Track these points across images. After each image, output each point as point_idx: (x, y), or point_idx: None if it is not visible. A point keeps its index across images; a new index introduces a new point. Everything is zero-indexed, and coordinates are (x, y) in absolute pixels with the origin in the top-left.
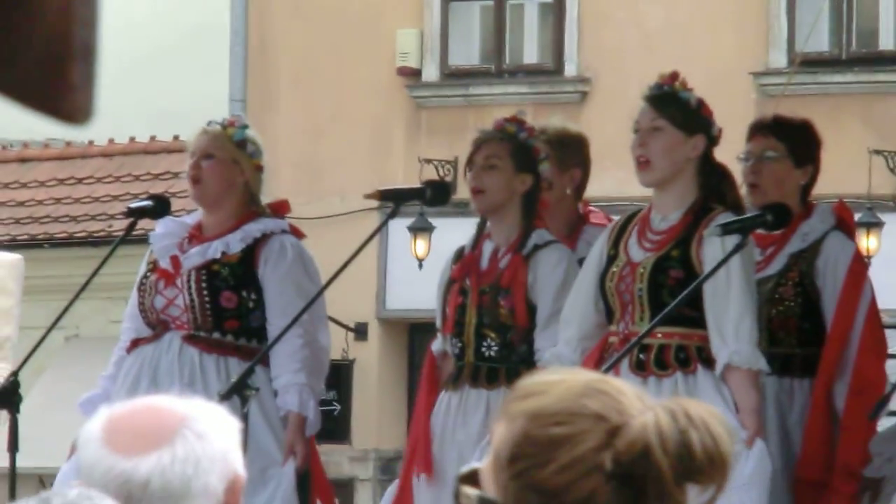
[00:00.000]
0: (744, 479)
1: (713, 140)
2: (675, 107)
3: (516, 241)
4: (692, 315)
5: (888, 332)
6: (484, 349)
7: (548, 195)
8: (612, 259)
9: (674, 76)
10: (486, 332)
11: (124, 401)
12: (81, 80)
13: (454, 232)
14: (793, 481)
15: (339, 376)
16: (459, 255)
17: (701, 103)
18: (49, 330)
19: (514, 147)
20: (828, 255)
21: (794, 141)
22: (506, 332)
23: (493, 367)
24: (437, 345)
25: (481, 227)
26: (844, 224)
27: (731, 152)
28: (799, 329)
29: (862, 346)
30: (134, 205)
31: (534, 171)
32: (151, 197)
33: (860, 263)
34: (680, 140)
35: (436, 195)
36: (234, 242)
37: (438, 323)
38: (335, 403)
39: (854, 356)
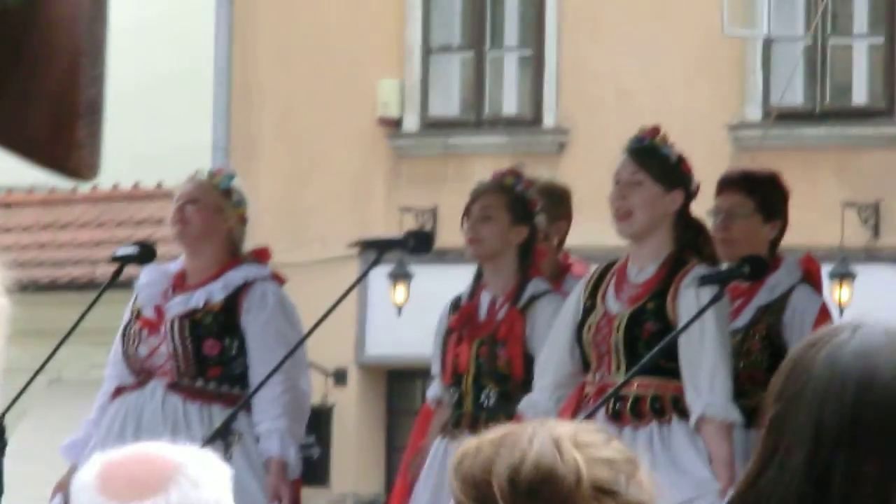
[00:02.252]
0: None
1: (691, 195)
2: (655, 161)
3: (512, 291)
4: (668, 366)
5: None
6: (482, 398)
7: (544, 245)
8: (588, 310)
9: (655, 130)
10: (484, 382)
11: (110, 449)
12: (87, 137)
13: (433, 279)
14: None
15: (319, 421)
16: (457, 305)
17: (681, 159)
18: (35, 374)
19: (510, 199)
20: (795, 308)
21: (762, 195)
22: (504, 382)
23: (491, 416)
24: (432, 391)
25: (478, 277)
26: (811, 277)
27: (707, 204)
28: (766, 382)
29: None
30: (120, 251)
31: (529, 223)
32: (137, 243)
33: (827, 317)
34: (659, 194)
35: (418, 244)
36: (217, 291)
37: (435, 370)
38: (317, 446)
39: None
